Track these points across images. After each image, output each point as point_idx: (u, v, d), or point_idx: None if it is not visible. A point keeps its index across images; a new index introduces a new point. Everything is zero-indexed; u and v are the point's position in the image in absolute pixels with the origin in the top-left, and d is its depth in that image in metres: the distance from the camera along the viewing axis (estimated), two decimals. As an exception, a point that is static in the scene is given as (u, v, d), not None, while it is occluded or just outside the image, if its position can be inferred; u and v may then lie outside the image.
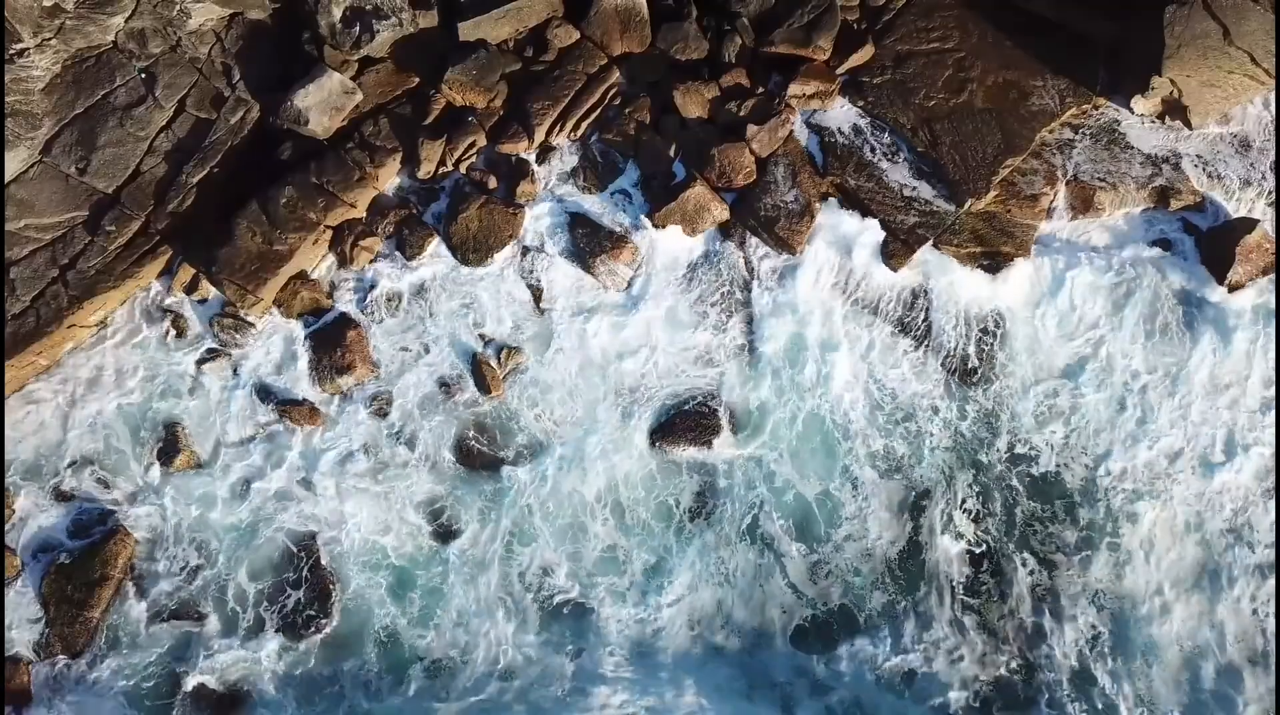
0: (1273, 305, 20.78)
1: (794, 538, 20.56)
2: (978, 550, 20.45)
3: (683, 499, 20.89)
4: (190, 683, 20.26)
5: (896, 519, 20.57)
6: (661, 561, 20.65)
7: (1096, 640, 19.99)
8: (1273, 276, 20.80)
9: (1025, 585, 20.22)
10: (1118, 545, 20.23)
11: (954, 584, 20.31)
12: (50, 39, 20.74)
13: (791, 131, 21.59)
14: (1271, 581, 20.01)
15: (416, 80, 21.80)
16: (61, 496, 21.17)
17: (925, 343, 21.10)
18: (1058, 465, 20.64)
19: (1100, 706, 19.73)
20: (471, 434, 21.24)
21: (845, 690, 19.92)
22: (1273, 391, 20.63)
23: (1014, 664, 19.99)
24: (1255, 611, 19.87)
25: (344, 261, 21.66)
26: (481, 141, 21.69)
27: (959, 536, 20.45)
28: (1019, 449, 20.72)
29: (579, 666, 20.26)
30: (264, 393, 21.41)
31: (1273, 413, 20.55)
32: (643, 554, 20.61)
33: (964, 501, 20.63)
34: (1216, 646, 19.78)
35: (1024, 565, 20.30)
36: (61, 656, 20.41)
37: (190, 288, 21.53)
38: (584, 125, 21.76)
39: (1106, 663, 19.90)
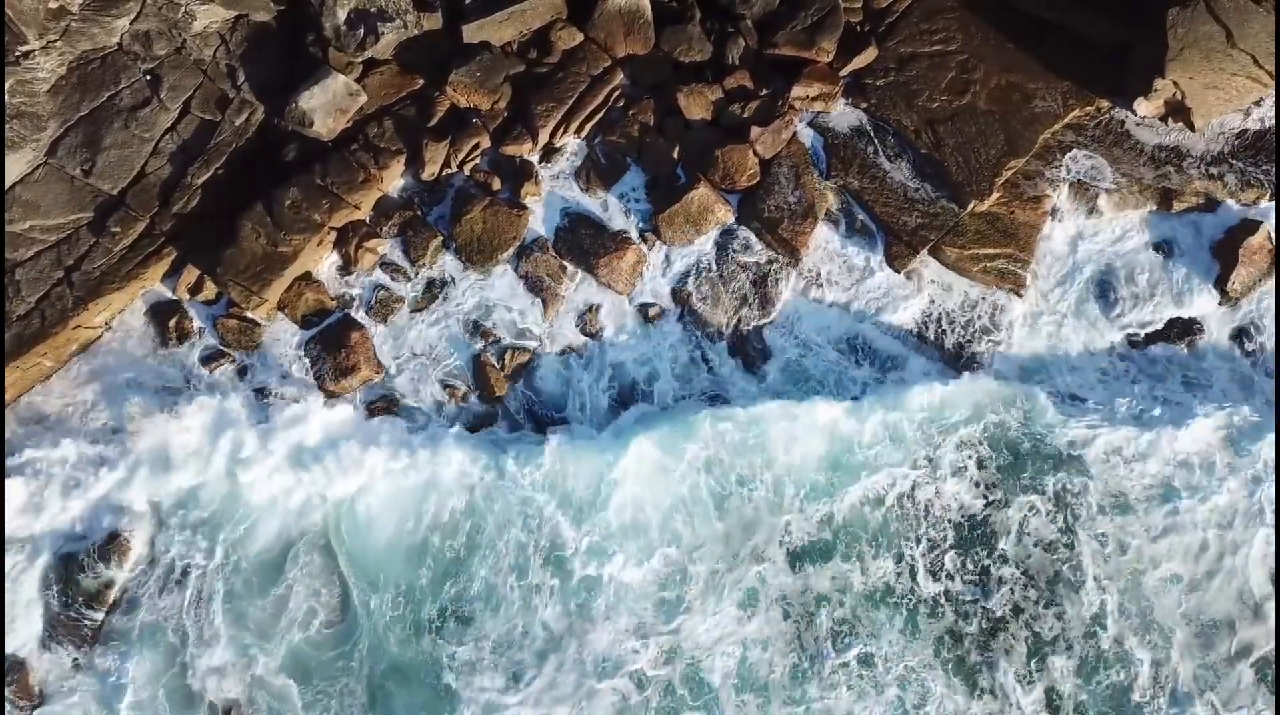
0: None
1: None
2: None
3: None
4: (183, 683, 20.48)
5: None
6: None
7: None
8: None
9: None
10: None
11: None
12: (55, 41, 20.79)
13: (795, 133, 21.64)
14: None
15: (420, 82, 21.84)
16: (65, 498, 21.16)
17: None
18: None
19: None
20: (471, 428, 21.28)
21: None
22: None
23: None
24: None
25: (348, 263, 21.69)
26: (485, 143, 21.74)
27: None
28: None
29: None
30: (268, 394, 21.41)
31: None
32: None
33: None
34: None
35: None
36: (63, 658, 20.51)
37: (195, 289, 21.53)
38: (588, 127, 21.81)
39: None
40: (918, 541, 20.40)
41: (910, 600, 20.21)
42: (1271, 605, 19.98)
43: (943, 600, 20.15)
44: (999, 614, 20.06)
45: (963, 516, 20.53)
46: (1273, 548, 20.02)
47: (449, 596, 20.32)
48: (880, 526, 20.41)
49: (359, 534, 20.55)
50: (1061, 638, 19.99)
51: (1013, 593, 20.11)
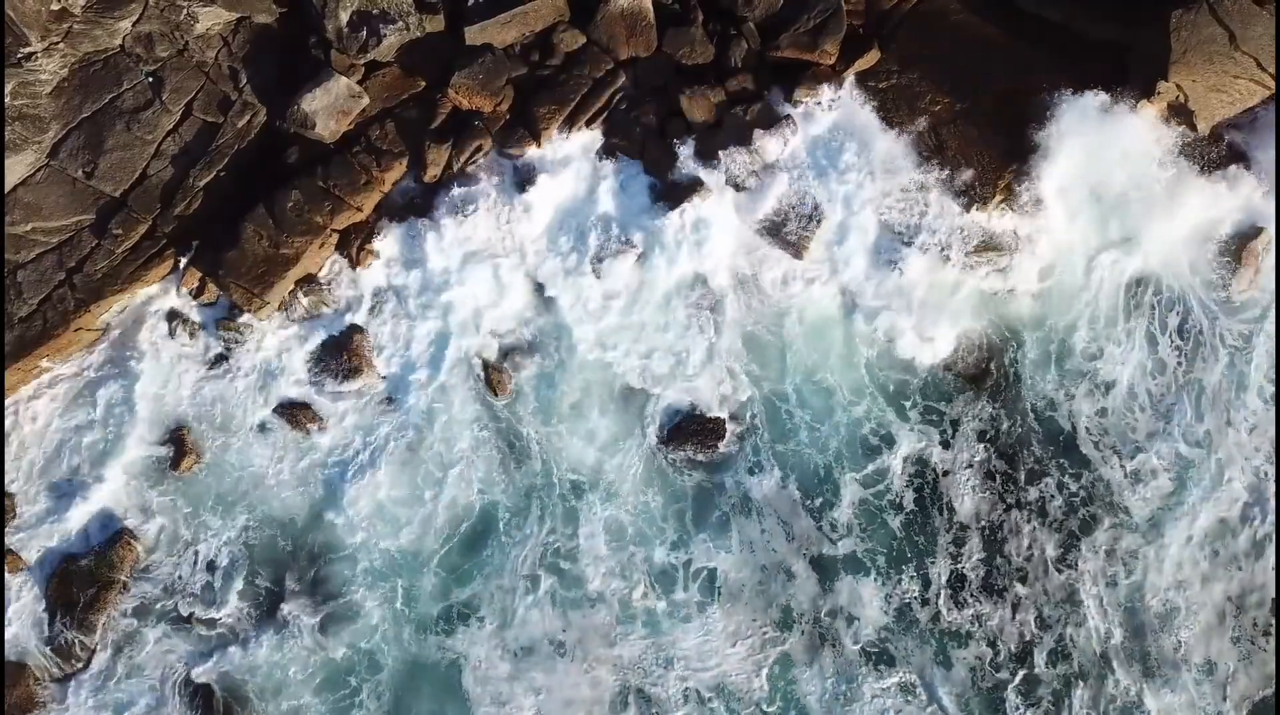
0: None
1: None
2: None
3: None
4: (192, 684, 20.55)
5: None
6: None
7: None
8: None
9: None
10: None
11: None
12: (58, 43, 20.77)
13: (797, 136, 21.61)
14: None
15: (423, 84, 21.82)
16: (67, 499, 21.14)
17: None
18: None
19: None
20: (477, 434, 21.25)
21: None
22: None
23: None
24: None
25: (351, 265, 21.67)
26: (488, 145, 21.71)
27: None
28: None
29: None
30: (270, 396, 21.40)
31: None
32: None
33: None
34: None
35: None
36: (66, 660, 20.48)
37: (197, 291, 21.52)
38: (591, 129, 21.78)
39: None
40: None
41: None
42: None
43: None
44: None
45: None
46: None
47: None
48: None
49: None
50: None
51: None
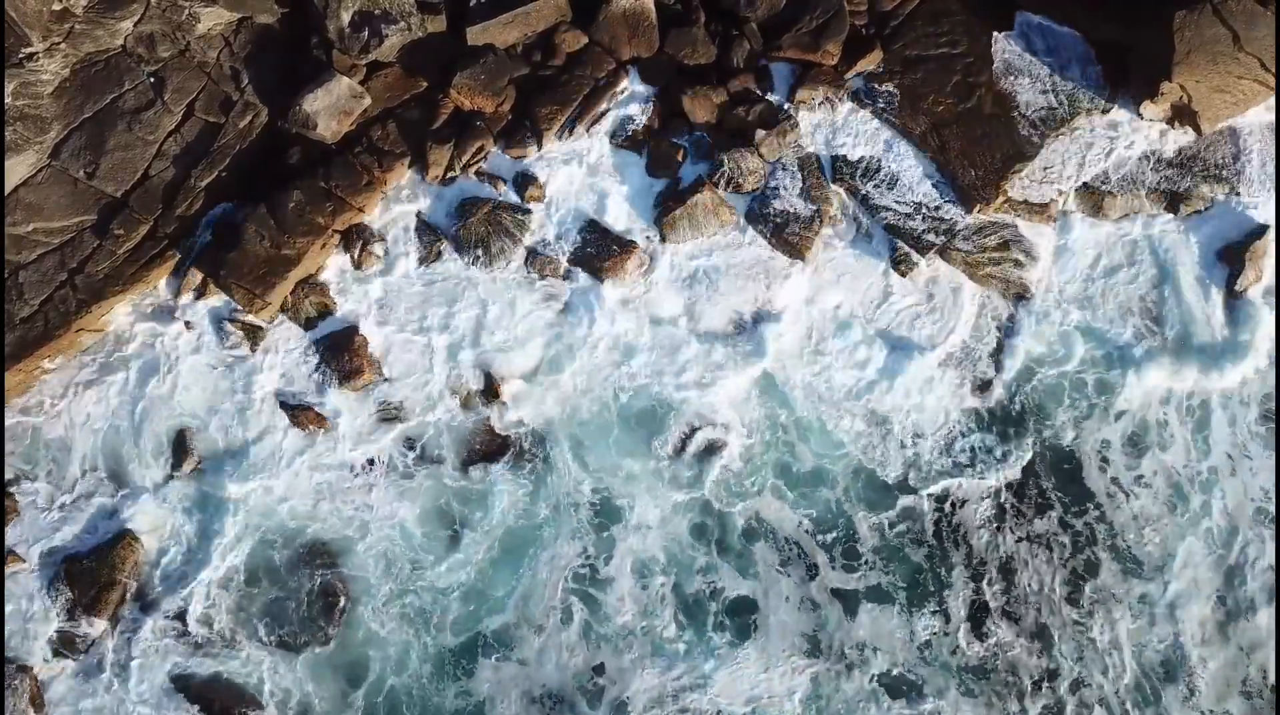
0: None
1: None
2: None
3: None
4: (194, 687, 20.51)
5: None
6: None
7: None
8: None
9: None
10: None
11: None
12: (59, 43, 20.77)
13: (800, 136, 21.57)
14: None
15: (424, 85, 21.80)
16: (69, 499, 21.13)
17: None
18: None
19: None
20: (479, 438, 21.24)
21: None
22: None
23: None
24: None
25: (352, 265, 21.66)
26: (490, 146, 21.69)
27: None
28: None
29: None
30: (271, 397, 21.37)
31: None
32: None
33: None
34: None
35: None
36: (67, 661, 20.49)
37: (199, 292, 21.52)
38: (592, 129, 21.76)
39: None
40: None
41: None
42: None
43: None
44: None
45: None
46: None
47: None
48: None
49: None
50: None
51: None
